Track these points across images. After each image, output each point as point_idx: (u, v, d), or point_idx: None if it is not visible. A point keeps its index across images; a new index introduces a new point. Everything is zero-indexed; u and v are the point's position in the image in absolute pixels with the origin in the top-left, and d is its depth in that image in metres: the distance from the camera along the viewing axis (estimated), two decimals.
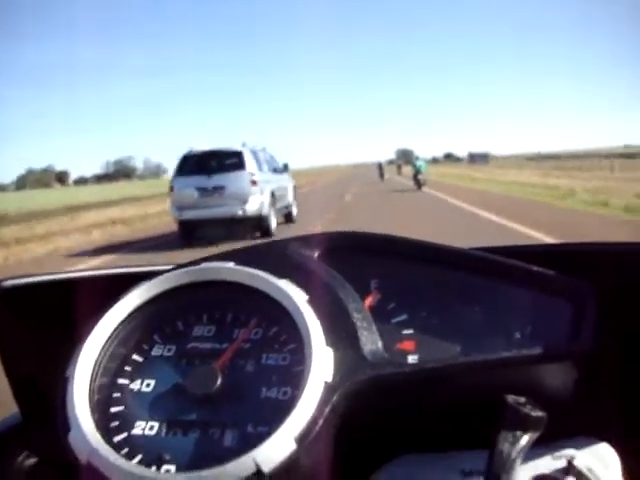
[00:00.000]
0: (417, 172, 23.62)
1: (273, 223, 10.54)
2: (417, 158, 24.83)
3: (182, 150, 10.76)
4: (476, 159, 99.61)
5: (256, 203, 9.79)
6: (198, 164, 10.12)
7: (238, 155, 10.06)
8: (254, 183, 9.79)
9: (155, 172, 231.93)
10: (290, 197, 12.51)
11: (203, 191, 9.80)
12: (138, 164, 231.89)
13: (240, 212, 9.69)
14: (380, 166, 40.60)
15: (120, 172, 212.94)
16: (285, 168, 12.66)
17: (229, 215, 9.76)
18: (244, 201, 9.70)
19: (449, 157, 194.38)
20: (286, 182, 12.32)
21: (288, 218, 12.44)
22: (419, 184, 23.32)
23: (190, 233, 10.29)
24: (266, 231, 10.15)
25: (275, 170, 11.64)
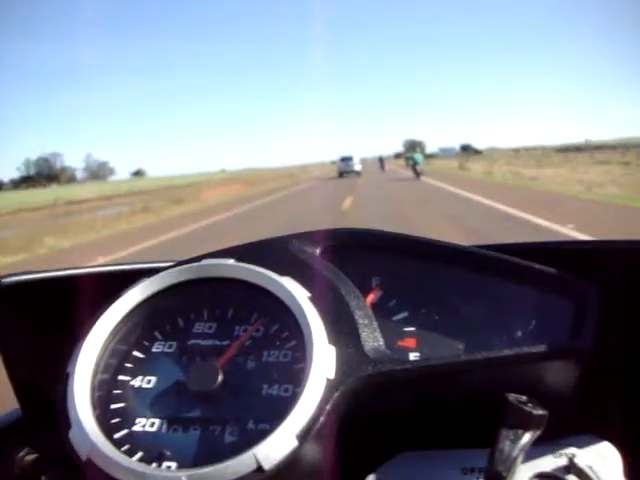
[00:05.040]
0: (415, 164, 29.64)
1: (360, 173, 42.89)
2: (415, 152, 40.56)
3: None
4: None
5: (358, 167, 43.60)
6: (345, 158, 45.16)
7: (352, 157, 44.79)
8: (357, 163, 44.20)
9: (98, 173, 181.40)
10: (361, 168, 44.76)
11: (345, 165, 44.06)
12: (73, 163, 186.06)
13: (354, 169, 43.04)
14: (381, 159, 52.78)
15: (43, 174, 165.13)
16: (360, 161, 46.06)
17: (352, 170, 43.07)
18: (354, 166, 43.45)
19: (466, 149, 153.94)
20: (360, 163, 46.08)
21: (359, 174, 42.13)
22: (417, 174, 28.58)
23: (341, 175, 42.88)
24: (358, 174, 41.99)
25: (360, 159, 47.28)
